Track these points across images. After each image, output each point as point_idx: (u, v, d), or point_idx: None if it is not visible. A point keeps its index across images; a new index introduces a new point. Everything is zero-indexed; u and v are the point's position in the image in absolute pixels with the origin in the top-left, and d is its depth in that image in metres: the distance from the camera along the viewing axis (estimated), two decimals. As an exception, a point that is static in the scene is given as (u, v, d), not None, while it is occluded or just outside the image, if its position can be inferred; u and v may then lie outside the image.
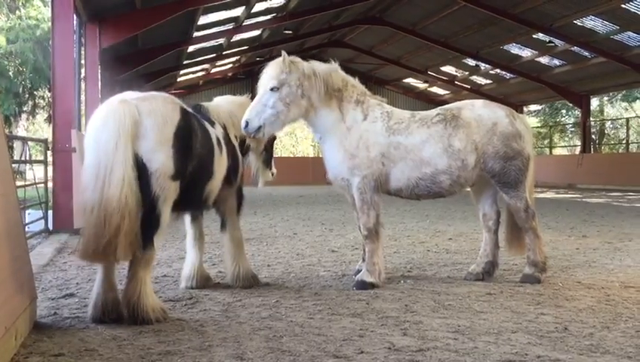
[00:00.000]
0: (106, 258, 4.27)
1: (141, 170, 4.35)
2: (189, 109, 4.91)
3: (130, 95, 4.62)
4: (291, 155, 44.63)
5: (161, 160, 4.40)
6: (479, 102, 6.07)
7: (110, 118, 4.36)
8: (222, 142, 5.24)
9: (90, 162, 4.36)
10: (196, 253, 5.70)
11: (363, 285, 5.58)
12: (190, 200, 4.88)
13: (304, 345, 3.86)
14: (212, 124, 5.28)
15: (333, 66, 5.89)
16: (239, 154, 5.69)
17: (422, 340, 3.97)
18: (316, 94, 5.66)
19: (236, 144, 5.67)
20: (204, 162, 4.86)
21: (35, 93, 32.86)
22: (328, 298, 5.22)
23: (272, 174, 6.49)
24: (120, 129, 4.29)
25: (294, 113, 5.65)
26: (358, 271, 5.91)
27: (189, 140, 4.62)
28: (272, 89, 5.56)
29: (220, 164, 5.15)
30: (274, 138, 6.37)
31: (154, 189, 4.39)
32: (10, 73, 30.66)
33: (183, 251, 6.17)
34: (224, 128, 5.50)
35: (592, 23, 22.51)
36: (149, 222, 4.39)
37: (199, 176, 4.85)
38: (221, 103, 5.85)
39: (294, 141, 47.44)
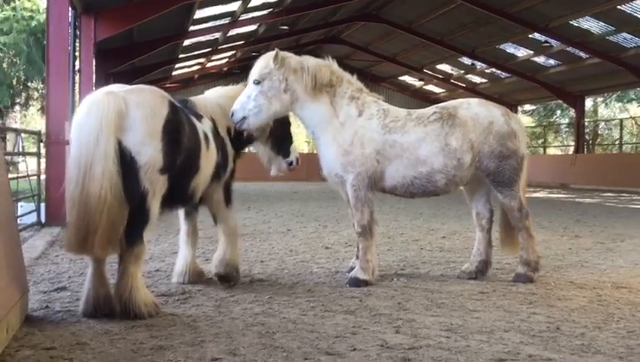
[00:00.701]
0: (86, 252, 4.25)
1: (129, 163, 4.26)
2: (177, 103, 4.82)
3: (117, 87, 4.53)
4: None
5: (150, 153, 4.32)
6: (475, 101, 6.06)
7: (93, 110, 4.26)
8: (209, 136, 5.12)
9: (73, 154, 4.30)
10: (189, 249, 5.66)
11: (356, 282, 5.58)
12: (175, 196, 4.76)
13: (297, 341, 3.86)
14: (199, 118, 5.15)
15: (328, 62, 5.86)
16: (229, 149, 5.53)
17: (414, 338, 3.97)
18: (302, 88, 5.65)
19: (226, 138, 5.54)
20: (191, 156, 4.77)
21: (28, 84, 32.71)
22: (321, 295, 5.22)
23: (290, 163, 6.04)
24: (103, 121, 4.18)
25: (276, 106, 5.63)
26: (352, 268, 5.91)
27: (178, 134, 4.54)
28: (255, 82, 5.60)
29: (208, 159, 5.04)
30: (287, 122, 6.03)
31: (143, 183, 4.30)
32: (4, 65, 30.49)
33: (176, 246, 6.15)
34: (213, 121, 5.38)
35: (587, 23, 22.56)
36: (138, 217, 4.33)
37: (186, 170, 4.75)
38: (210, 96, 5.75)
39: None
